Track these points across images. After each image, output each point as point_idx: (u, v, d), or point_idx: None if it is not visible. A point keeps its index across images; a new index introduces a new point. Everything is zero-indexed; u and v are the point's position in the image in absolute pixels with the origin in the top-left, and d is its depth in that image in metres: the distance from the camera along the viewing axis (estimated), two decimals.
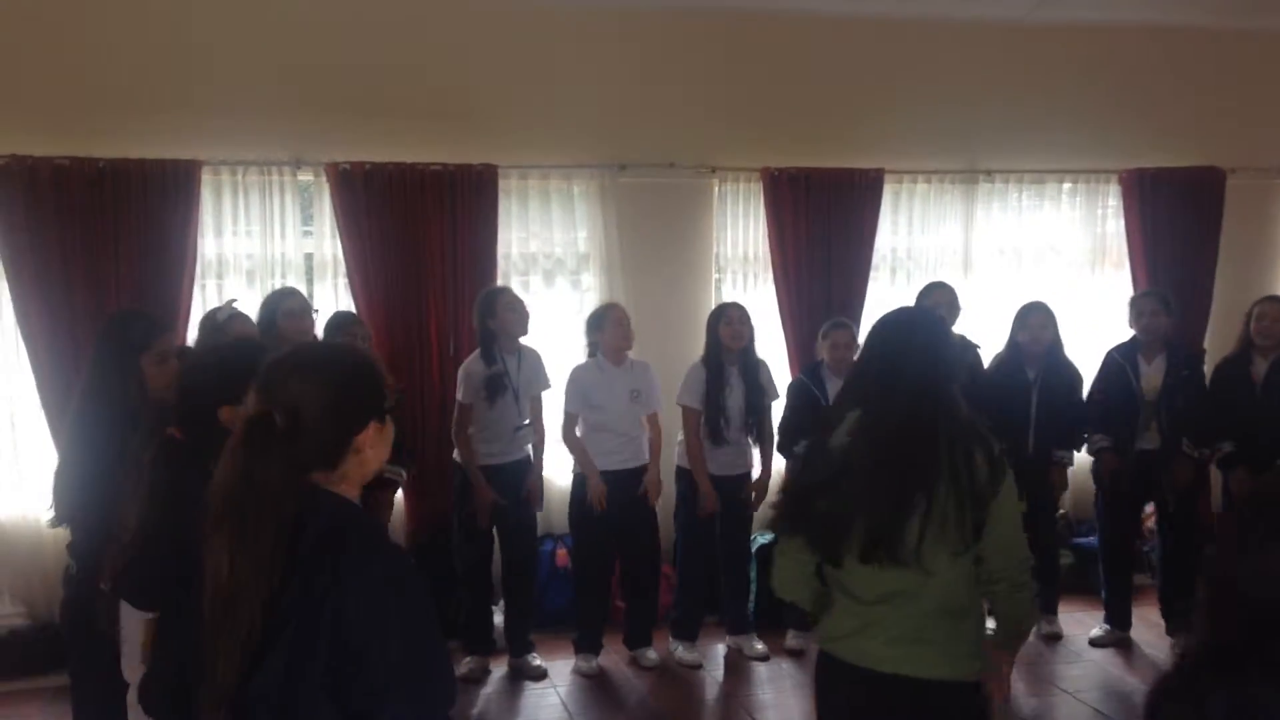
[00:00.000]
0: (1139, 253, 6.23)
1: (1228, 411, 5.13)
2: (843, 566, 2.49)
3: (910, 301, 5.30)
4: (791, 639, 5.26)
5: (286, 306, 4.51)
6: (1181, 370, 5.22)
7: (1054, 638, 5.43)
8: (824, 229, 5.83)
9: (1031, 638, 5.38)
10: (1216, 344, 6.06)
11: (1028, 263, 6.23)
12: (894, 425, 2.45)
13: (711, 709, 4.81)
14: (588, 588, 5.08)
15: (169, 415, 2.68)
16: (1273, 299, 5.32)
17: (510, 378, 4.87)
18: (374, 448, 1.83)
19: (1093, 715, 4.66)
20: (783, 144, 5.84)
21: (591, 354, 5.05)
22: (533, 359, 5.03)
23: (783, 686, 4.94)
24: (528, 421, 4.98)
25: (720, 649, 5.32)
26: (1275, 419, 4.99)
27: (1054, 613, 5.53)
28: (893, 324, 2.67)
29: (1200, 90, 6.29)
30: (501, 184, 5.52)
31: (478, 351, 4.91)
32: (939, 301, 5.13)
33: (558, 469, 5.40)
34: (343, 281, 5.45)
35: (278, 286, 5.02)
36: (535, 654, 5.09)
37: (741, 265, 6.00)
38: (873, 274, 5.98)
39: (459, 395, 4.92)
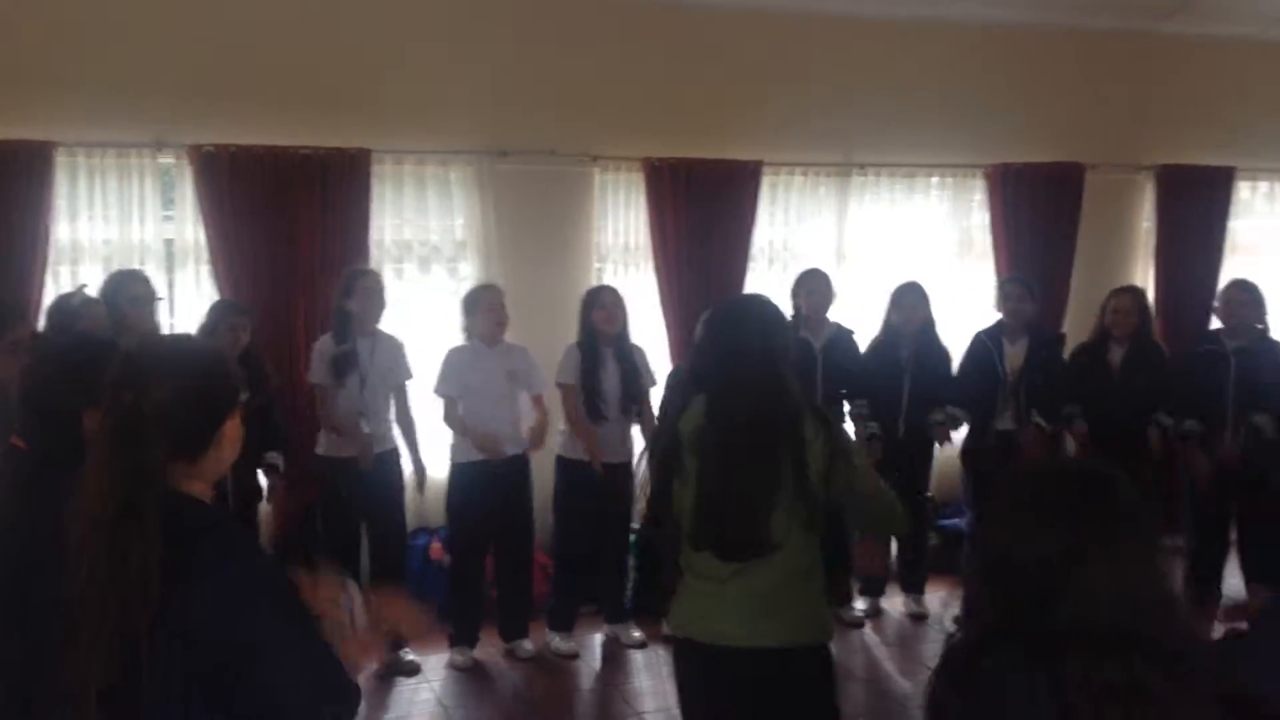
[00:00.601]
0: (1003, 243, 6.45)
1: (1081, 390, 5.38)
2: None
3: (786, 289, 5.40)
4: (667, 627, 5.29)
5: (132, 293, 4.36)
6: (1041, 351, 5.44)
7: (920, 617, 5.61)
8: (704, 219, 5.87)
9: (898, 617, 5.61)
10: (1074, 330, 6.33)
11: (898, 253, 6.38)
12: (743, 410, 2.52)
13: (588, 699, 4.83)
14: (463, 580, 5.03)
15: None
16: (1126, 290, 5.57)
17: (360, 360, 4.77)
18: (232, 442, 1.80)
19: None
20: (665, 135, 5.85)
21: (466, 337, 4.99)
22: (391, 346, 4.94)
23: (660, 674, 4.98)
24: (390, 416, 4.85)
25: (597, 638, 5.34)
26: (1130, 403, 5.25)
27: (921, 592, 5.72)
28: (728, 309, 2.77)
29: (1062, 89, 6.52)
30: (375, 169, 5.40)
31: (331, 332, 4.83)
32: (812, 289, 5.26)
33: (432, 461, 5.32)
34: (205, 269, 5.27)
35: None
36: (408, 649, 5.02)
37: (622, 254, 6.01)
38: (751, 264, 6.05)
39: (308, 375, 4.82)
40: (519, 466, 4.99)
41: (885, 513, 2.69)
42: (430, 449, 5.12)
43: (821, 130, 6.14)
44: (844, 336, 5.37)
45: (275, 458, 4.74)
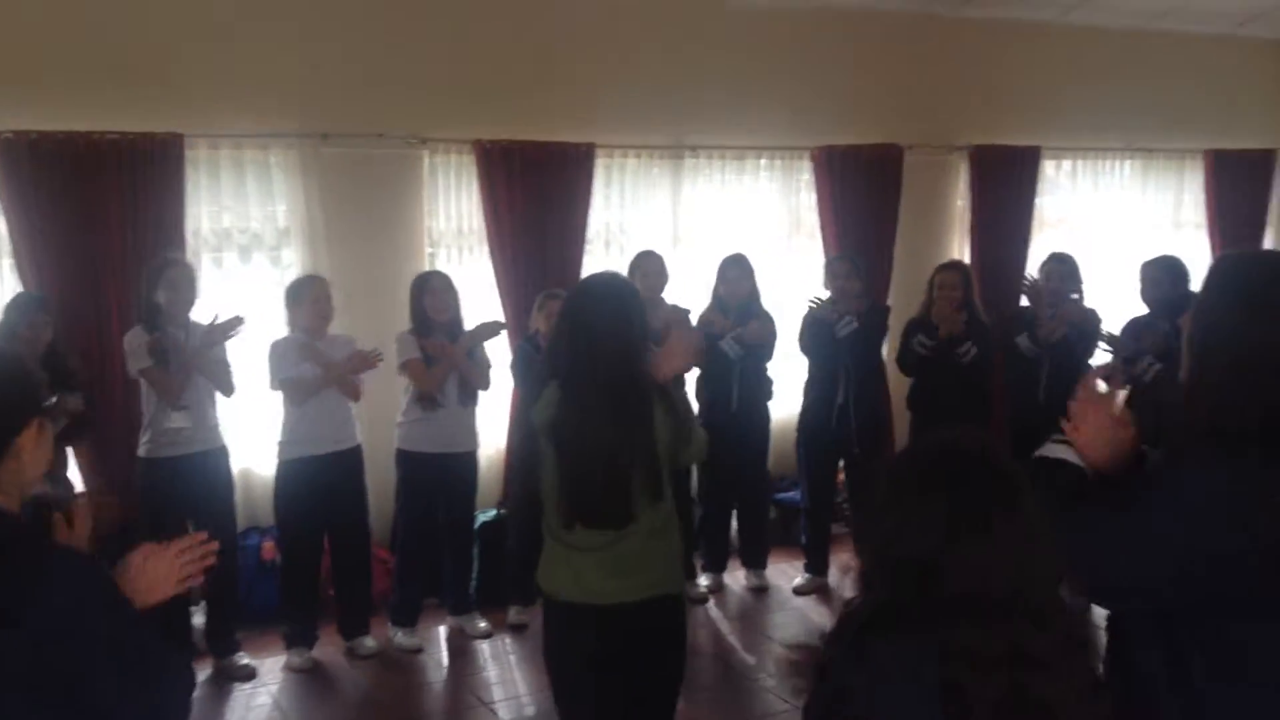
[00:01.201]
0: (830, 223, 6.62)
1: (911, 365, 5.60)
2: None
3: (623, 271, 5.41)
4: (514, 615, 5.27)
5: None
6: (870, 327, 5.61)
7: (761, 590, 5.73)
8: (538, 203, 5.81)
9: (740, 591, 5.72)
10: (899, 304, 6.57)
11: (731, 234, 6.46)
12: (599, 397, 2.61)
13: (435, 693, 4.73)
14: (295, 578, 4.85)
15: None
16: (951, 266, 5.81)
17: (177, 348, 4.52)
18: (34, 451, 1.69)
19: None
20: (496, 117, 5.75)
21: (290, 330, 4.80)
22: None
23: (506, 663, 4.94)
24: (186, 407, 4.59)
25: (442, 631, 5.24)
26: (955, 371, 5.45)
27: (762, 567, 5.84)
28: (583, 292, 2.83)
29: (882, 73, 6.73)
30: (189, 154, 5.12)
31: (139, 326, 4.56)
32: (648, 270, 5.29)
33: (258, 458, 5.12)
34: (8, 261, 4.92)
35: None
36: (242, 653, 4.82)
37: (455, 239, 5.89)
38: (587, 246, 6.02)
39: (130, 366, 4.55)
40: (350, 460, 4.85)
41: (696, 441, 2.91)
42: (256, 447, 4.91)
43: (653, 113, 6.16)
44: (680, 316, 5.43)
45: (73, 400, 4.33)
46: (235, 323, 4.55)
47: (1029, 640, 1.37)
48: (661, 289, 5.39)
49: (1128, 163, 7.60)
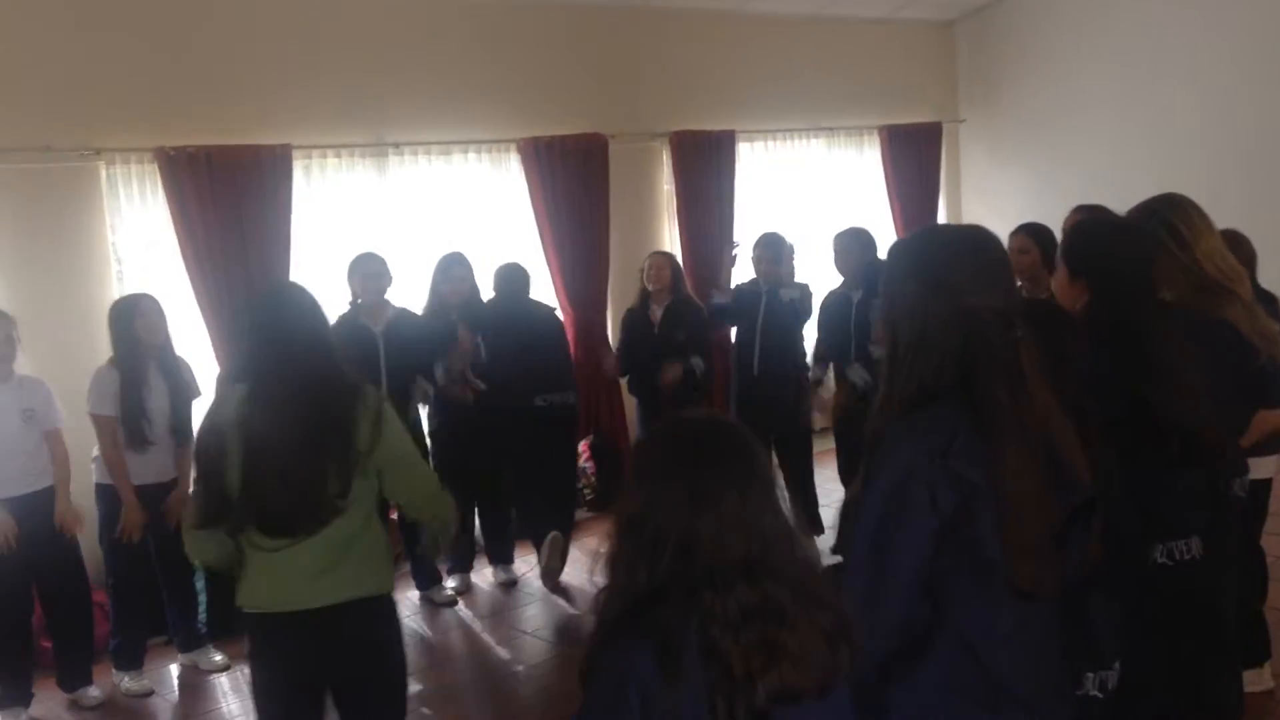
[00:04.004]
0: (541, 214, 6.66)
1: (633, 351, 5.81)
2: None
3: (341, 276, 5.29)
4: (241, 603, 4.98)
5: None
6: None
7: (511, 584, 5.73)
8: (234, 209, 5.52)
9: (488, 588, 5.69)
10: (617, 293, 6.73)
11: (440, 228, 6.38)
12: (288, 390, 2.54)
13: None
14: (2, 634, 4.38)
15: None
16: (659, 253, 6.02)
17: None
18: None
19: (549, 648, 4.98)
20: (179, 122, 5.43)
21: None
22: None
23: (246, 693, 4.64)
24: None
25: (174, 670, 4.91)
26: (672, 355, 5.69)
27: (510, 561, 5.84)
28: (263, 303, 2.80)
29: (586, 64, 6.87)
30: None
31: None
32: (368, 272, 5.20)
33: None
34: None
35: None
36: None
37: (145, 254, 5.50)
38: (293, 252, 5.78)
39: None
40: (47, 499, 4.43)
41: (431, 492, 2.88)
42: None
43: (352, 110, 6.00)
44: (406, 316, 5.38)
45: None
46: None
47: (777, 595, 1.48)
48: (385, 290, 5.26)
49: (813, 140, 8.10)
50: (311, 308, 2.72)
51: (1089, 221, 2.92)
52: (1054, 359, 1.85)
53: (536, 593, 5.61)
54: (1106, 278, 2.52)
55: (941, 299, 1.75)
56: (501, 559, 5.81)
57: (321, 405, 2.57)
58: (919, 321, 1.77)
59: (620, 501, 1.59)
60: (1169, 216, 2.89)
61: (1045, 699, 1.77)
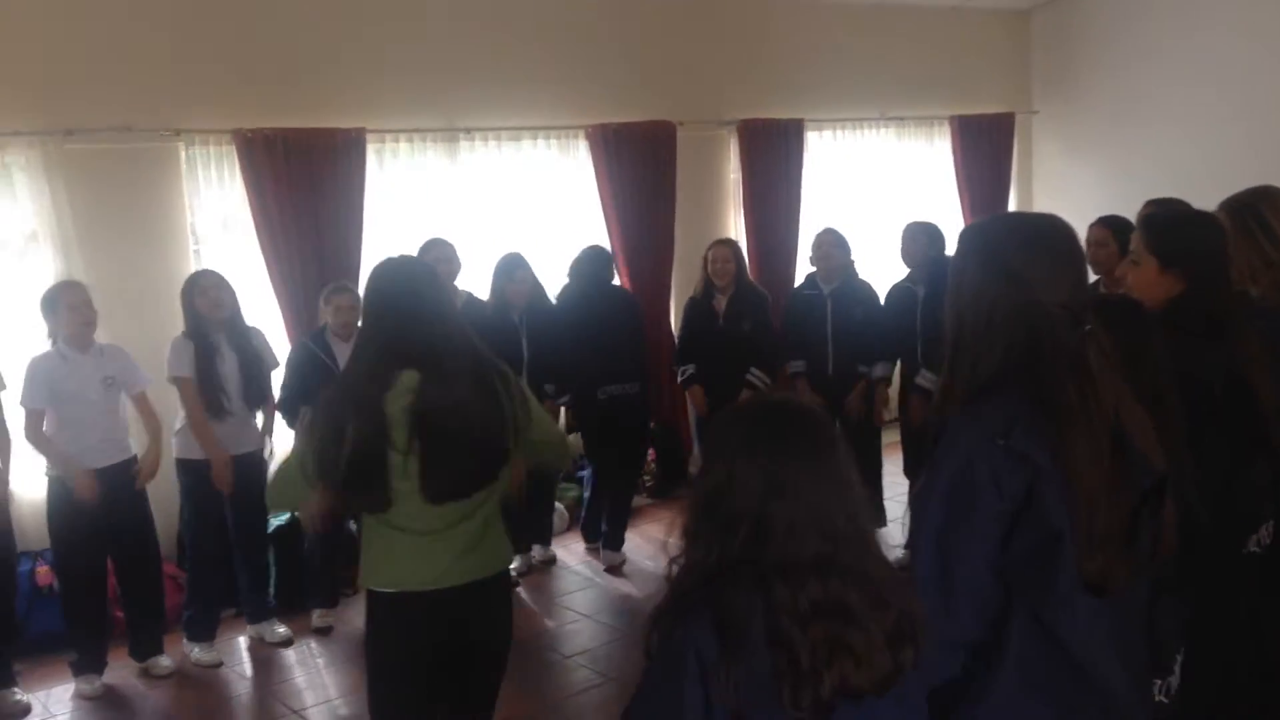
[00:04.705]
0: (609, 202, 6.69)
1: (694, 342, 5.79)
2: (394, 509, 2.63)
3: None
4: (317, 618, 5.10)
5: None
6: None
7: (549, 562, 5.81)
8: (308, 190, 5.61)
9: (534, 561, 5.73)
10: (681, 281, 6.73)
11: (508, 214, 6.43)
12: (462, 374, 2.61)
13: (242, 706, 4.51)
14: (78, 601, 4.51)
15: None
16: (722, 242, 5.98)
17: None
18: None
19: (607, 630, 5.01)
20: (256, 105, 5.53)
21: (52, 342, 4.46)
22: None
23: (313, 667, 4.77)
24: None
25: (242, 642, 5.02)
26: (736, 346, 5.65)
27: (547, 544, 5.90)
28: (390, 279, 2.74)
29: (654, 51, 6.87)
30: None
31: None
32: (438, 257, 5.20)
33: (25, 478, 4.74)
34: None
35: None
36: (17, 689, 4.46)
37: (222, 232, 5.62)
38: (366, 233, 5.86)
39: None
40: (126, 471, 4.55)
41: (557, 442, 3.06)
42: (23, 462, 4.56)
43: (425, 95, 6.07)
44: (474, 304, 5.43)
45: None
46: None
47: (844, 593, 1.48)
48: (455, 275, 5.32)
49: (882, 130, 8.02)
50: (440, 288, 2.80)
51: (1179, 213, 2.84)
52: (1132, 354, 1.83)
53: (596, 576, 5.65)
54: (1204, 269, 2.48)
55: (1009, 289, 1.72)
56: (541, 539, 5.88)
57: (486, 378, 2.66)
58: (985, 311, 1.75)
59: (701, 475, 1.59)
60: (1261, 209, 2.82)
61: (1127, 697, 1.75)
